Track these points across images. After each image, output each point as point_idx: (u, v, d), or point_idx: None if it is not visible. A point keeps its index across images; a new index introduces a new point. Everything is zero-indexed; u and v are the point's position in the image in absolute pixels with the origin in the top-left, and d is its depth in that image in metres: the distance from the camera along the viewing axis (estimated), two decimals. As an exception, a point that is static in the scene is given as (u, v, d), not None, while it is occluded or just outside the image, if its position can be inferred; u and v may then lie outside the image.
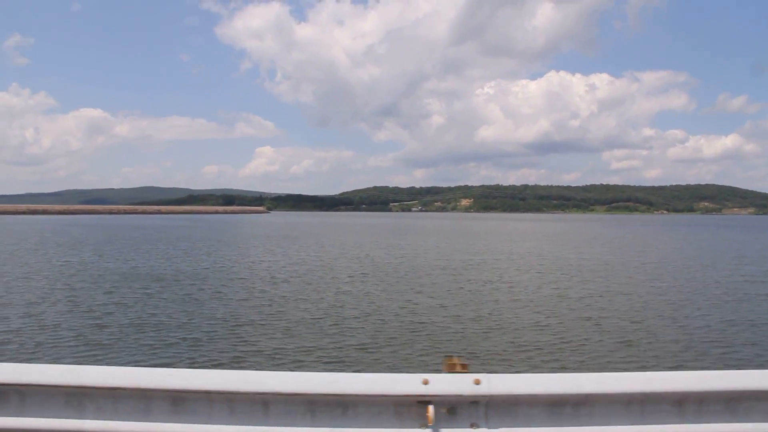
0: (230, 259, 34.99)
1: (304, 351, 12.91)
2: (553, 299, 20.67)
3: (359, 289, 22.60)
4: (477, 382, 3.27)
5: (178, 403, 3.34)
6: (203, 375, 3.41)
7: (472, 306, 19.08)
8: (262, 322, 15.92)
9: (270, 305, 18.66)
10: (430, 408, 3.24)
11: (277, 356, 12.38)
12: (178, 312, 17.22)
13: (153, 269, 28.24)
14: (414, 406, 3.31)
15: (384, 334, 14.75)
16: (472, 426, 3.32)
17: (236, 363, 11.85)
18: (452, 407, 3.35)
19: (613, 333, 15.11)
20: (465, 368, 3.48)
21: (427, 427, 3.26)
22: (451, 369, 3.48)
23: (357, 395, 3.31)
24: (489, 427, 3.32)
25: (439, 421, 3.30)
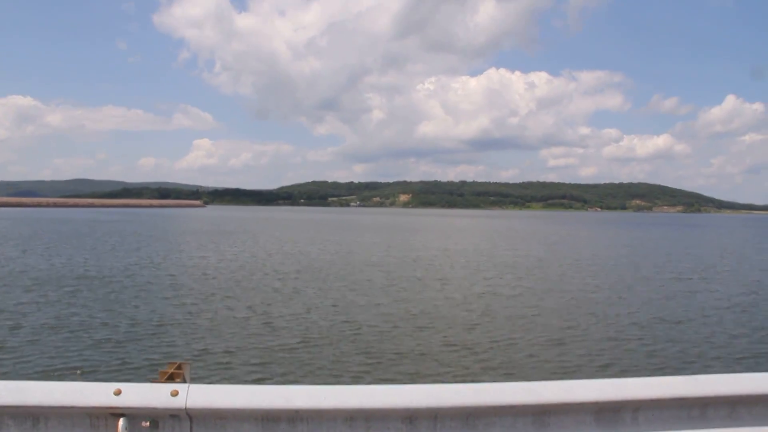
0: (159, 255, 33.99)
1: (228, 353, 12.53)
2: (485, 297, 20.78)
3: (290, 287, 22.21)
4: (174, 394, 2.98)
5: None
6: None
7: (404, 304, 18.99)
8: (184, 322, 15.42)
9: (195, 303, 18.13)
10: (121, 421, 2.93)
11: (200, 358, 11.97)
12: (98, 311, 16.51)
13: (78, 265, 27.12)
14: (110, 418, 3.00)
15: (313, 333, 14.48)
16: None
17: (152, 366, 11.37)
18: (154, 420, 3.05)
19: (543, 331, 15.23)
20: (177, 377, 3.23)
21: None
22: (162, 378, 3.23)
23: (47, 406, 3.01)
24: None
25: None
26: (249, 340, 13.62)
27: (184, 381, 3.33)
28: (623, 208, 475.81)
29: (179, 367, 3.47)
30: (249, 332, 14.46)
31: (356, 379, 10.86)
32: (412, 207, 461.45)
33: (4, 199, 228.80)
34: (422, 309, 18.13)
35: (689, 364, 12.39)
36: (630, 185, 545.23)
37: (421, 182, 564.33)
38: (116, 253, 34.57)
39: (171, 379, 3.30)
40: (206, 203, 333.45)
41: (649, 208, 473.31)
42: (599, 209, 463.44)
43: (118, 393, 2.95)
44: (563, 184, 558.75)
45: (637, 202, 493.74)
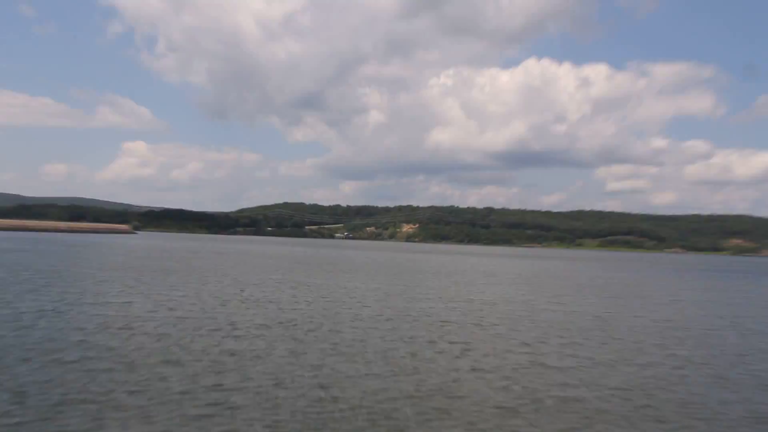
0: (65, 300, 33.58)
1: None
2: (525, 369, 20.45)
3: (251, 348, 21.88)
4: None
5: None
6: None
7: (412, 377, 18.67)
8: (95, 398, 15.12)
9: (113, 370, 17.79)
10: None
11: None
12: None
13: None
14: None
15: (283, 417, 14.16)
16: None
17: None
18: None
19: (612, 424, 14.91)
20: None
21: None
22: None
23: None
24: None
25: None
26: (190, 429, 13.31)
27: None
28: (716, 249, 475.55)
29: None
30: (191, 414, 14.14)
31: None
32: (420, 241, 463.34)
33: None
34: (437, 384, 17.82)
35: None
36: (726, 218, 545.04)
37: (433, 208, 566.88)
38: (1, 295, 34.21)
39: None
40: (137, 228, 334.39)
41: (756, 251, 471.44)
42: (681, 250, 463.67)
43: None
44: (629, 215, 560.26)
45: (737, 242, 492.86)
